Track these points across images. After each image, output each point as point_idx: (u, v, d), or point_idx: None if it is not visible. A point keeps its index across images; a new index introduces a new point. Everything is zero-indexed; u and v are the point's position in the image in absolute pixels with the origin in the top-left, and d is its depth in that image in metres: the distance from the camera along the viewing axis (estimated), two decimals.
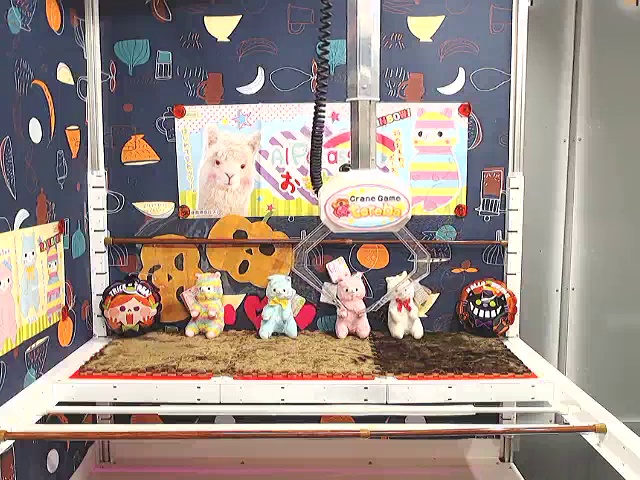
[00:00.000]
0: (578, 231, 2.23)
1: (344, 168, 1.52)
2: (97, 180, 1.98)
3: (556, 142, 2.21)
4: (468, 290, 2.01)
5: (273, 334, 1.96)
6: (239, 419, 2.06)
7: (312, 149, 1.60)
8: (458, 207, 2.02)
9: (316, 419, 2.02)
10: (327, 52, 1.42)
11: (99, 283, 2.00)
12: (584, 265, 2.25)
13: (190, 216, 2.04)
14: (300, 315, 2.05)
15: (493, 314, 1.96)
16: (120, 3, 1.94)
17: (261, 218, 2.04)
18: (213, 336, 1.95)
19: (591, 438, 1.33)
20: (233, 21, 1.96)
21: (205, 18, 1.95)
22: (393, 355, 1.77)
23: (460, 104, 1.99)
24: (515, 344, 1.93)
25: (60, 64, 1.74)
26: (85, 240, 1.97)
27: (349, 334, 1.98)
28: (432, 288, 2.06)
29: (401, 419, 2.06)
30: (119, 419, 2.10)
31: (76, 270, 1.87)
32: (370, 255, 2.05)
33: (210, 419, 2.06)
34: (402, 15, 1.96)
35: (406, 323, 1.96)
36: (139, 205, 2.03)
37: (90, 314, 2.00)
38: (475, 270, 2.05)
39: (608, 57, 2.15)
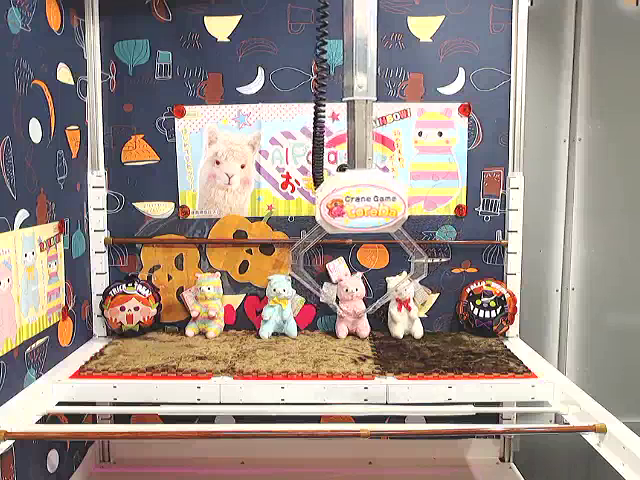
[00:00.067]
0: (578, 231, 2.23)
1: (341, 168, 1.51)
2: (97, 180, 1.98)
3: (556, 142, 2.21)
4: (468, 290, 2.01)
5: (273, 334, 1.96)
6: (239, 419, 2.06)
7: (313, 149, 1.60)
8: (458, 207, 2.02)
9: (316, 419, 2.02)
10: (325, 52, 1.42)
11: (99, 283, 2.00)
12: (584, 265, 2.25)
13: (190, 216, 2.04)
14: (300, 315, 2.05)
15: (493, 314, 1.96)
16: (120, 3, 1.94)
17: (261, 218, 2.04)
18: (213, 336, 1.95)
19: (591, 438, 1.33)
20: (233, 21, 1.96)
21: (205, 18, 1.95)
22: (393, 355, 1.77)
23: (460, 104, 1.99)
24: (515, 344, 1.93)
25: (60, 64, 1.74)
26: (85, 240, 1.97)
27: (349, 334, 1.98)
28: (432, 288, 2.06)
29: (401, 419, 2.06)
30: (119, 419, 2.10)
31: (76, 270, 1.87)
32: (370, 255, 2.05)
33: (210, 419, 2.06)
34: (402, 15, 1.96)
35: (406, 323, 1.96)
36: (139, 205, 2.03)
37: (90, 314, 2.00)
38: (475, 270, 2.05)
39: (608, 57, 2.15)
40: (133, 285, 1.95)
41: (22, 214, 1.50)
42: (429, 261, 2.04)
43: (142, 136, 2.00)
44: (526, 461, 2.16)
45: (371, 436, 1.29)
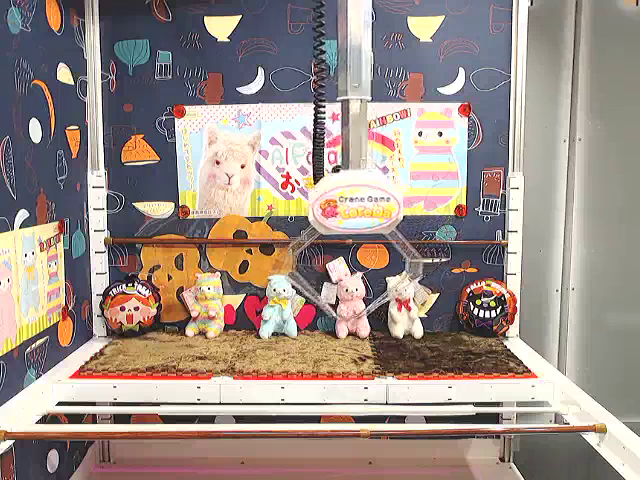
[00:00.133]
0: (578, 231, 2.23)
1: (335, 169, 1.50)
2: (97, 180, 1.98)
3: (556, 142, 2.21)
4: (468, 290, 2.01)
5: (273, 334, 1.96)
6: (239, 419, 2.06)
7: (314, 150, 1.59)
8: (458, 207, 2.02)
9: (316, 419, 2.02)
10: (323, 52, 1.41)
11: (99, 283, 2.00)
12: (584, 265, 2.25)
13: (190, 216, 2.04)
14: (300, 315, 2.05)
15: (493, 314, 1.96)
16: (120, 3, 1.94)
17: (261, 218, 2.04)
18: (213, 336, 1.95)
19: (591, 438, 1.33)
20: (233, 21, 1.96)
21: (205, 18, 1.95)
22: (393, 355, 1.77)
23: (460, 104, 1.99)
24: (515, 344, 1.93)
25: (60, 64, 1.74)
26: (85, 240, 1.97)
27: (349, 334, 1.98)
28: (432, 288, 2.06)
29: (401, 419, 2.06)
30: (119, 419, 2.10)
31: (76, 270, 1.87)
32: (370, 255, 2.05)
33: (210, 419, 2.06)
34: (402, 15, 1.96)
35: (406, 323, 1.96)
36: (139, 205, 2.03)
37: (90, 314, 2.00)
38: (475, 270, 2.05)
39: (608, 57, 2.15)
40: (133, 285, 1.95)
41: (22, 214, 1.50)
42: (429, 261, 2.04)
43: (142, 136, 2.00)
44: (526, 461, 2.16)
45: (371, 436, 1.29)
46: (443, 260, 2.05)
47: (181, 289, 2.06)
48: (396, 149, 2.01)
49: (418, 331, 1.96)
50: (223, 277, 2.04)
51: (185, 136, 2.00)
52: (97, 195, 1.99)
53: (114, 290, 1.95)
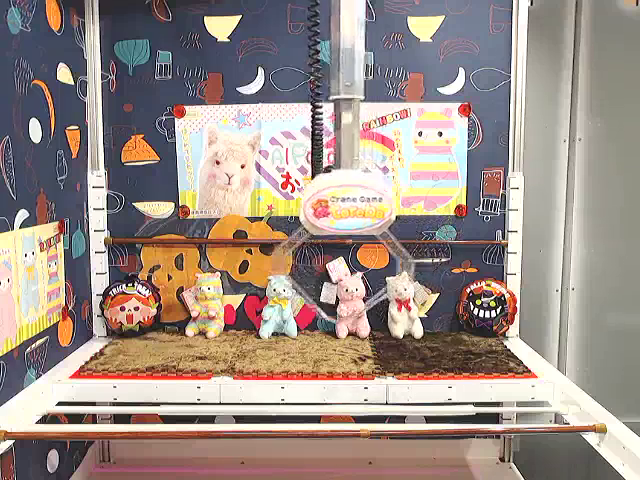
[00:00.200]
0: (578, 231, 2.23)
1: (327, 170, 1.49)
2: (97, 180, 1.98)
3: (556, 142, 2.21)
4: (468, 290, 2.01)
5: (273, 334, 1.96)
6: (239, 419, 2.06)
7: (312, 150, 1.58)
8: (458, 207, 2.02)
9: (316, 419, 2.02)
10: (318, 52, 1.40)
11: (99, 283, 2.00)
12: (584, 265, 2.25)
13: (190, 216, 2.04)
14: (300, 315, 2.05)
15: (493, 314, 1.96)
16: (120, 3, 1.94)
17: (261, 218, 2.04)
18: (213, 336, 1.95)
19: (591, 438, 1.33)
20: (233, 21, 1.96)
21: (205, 18, 1.95)
22: (393, 355, 1.77)
23: (460, 104, 1.99)
24: (515, 344, 1.93)
25: (60, 64, 1.74)
26: (85, 240, 1.97)
27: (349, 334, 1.98)
28: (432, 288, 2.06)
29: (401, 419, 2.06)
30: (119, 419, 2.10)
31: (76, 270, 1.87)
32: (370, 255, 2.05)
33: (210, 419, 2.06)
34: (402, 15, 1.96)
35: (406, 323, 1.96)
36: (139, 205, 2.03)
37: (90, 314, 2.00)
38: (475, 270, 2.05)
39: (608, 57, 2.15)
40: (133, 285, 1.95)
41: (22, 214, 1.50)
42: (429, 261, 2.04)
43: (142, 136, 2.00)
44: (526, 461, 2.16)
45: (371, 436, 1.29)
46: (443, 260, 2.05)
47: (181, 289, 2.06)
48: (396, 149, 2.01)
49: (418, 331, 1.96)
50: (223, 277, 2.04)
51: (185, 136, 2.00)
52: (97, 195, 1.99)
53: (114, 290, 1.95)
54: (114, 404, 1.70)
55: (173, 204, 2.03)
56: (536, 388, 1.59)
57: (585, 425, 1.35)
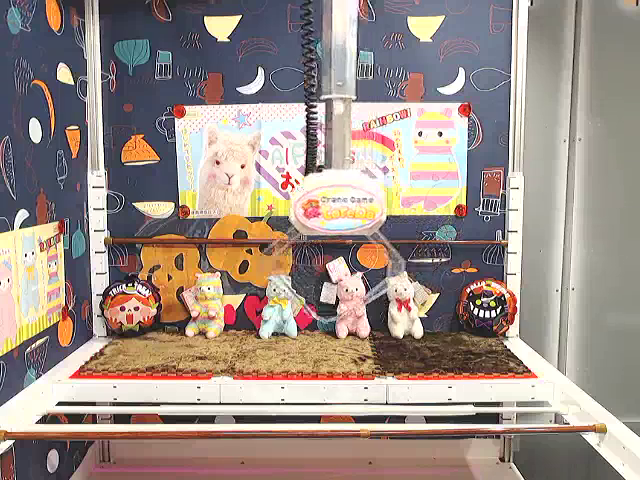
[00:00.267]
0: (578, 231, 2.23)
1: (318, 169, 1.49)
2: (97, 180, 1.98)
3: (556, 142, 2.21)
4: (468, 290, 2.01)
5: (273, 334, 1.96)
6: (239, 419, 2.06)
7: (307, 150, 1.56)
8: (458, 207, 2.02)
9: (316, 419, 2.02)
10: (312, 51, 1.39)
11: (99, 283, 2.00)
12: (584, 265, 2.25)
13: (190, 216, 2.04)
14: (300, 315, 2.05)
15: (493, 314, 1.96)
16: (120, 3, 1.94)
17: (261, 218, 2.04)
18: (213, 336, 1.95)
19: (591, 438, 1.33)
20: (233, 21, 1.96)
21: (205, 18, 1.95)
22: (393, 355, 1.77)
23: (460, 104, 1.99)
24: (515, 344, 1.93)
25: (60, 64, 1.74)
26: (85, 240, 1.97)
27: (349, 334, 1.98)
28: (432, 288, 2.06)
29: (401, 419, 2.06)
30: (119, 419, 2.10)
31: (76, 270, 1.87)
32: (370, 255, 2.05)
33: (210, 419, 2.06)
34: (402, 15, 1.96)
35: (406, 323, 1.96)
36: (139, 205, 2.03)
37: (90, 314, 2.00)
38: (475, 270, 2.05)
39: (608, 57, 2.15)
40: (133, 285, 1.95)
41: (22, 214, 1.50)
42: (429, 261, 2.04)
43: (142, 136, 2.00)
44: (526, 461, 2.16)
45: (371, 436, 1.29)
46: (443, 260, 2.05)
47: (181, 289, 2.06)
48: (396, 149, 2.01)
49: (418, 331, 1.96)
50: (223, 277, 2.04)
51: (185, 136, 2.00)
52: (97, 195, 1.99)
53: (114, 290, 1.95)
54: (114, 404, 1.70)
55: (173, 204, 2.03)
56: (536, 388, 1.59)
57: (585, 425, 1.35)
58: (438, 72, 1.98)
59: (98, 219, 1.99)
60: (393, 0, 1.95)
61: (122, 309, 1.92)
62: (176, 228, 2.04)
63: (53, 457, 1.75)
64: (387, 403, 1.57)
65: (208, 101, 1.99)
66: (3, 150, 1.40)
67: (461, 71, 1.98)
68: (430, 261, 2.05)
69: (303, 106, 1.98)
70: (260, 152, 2.01)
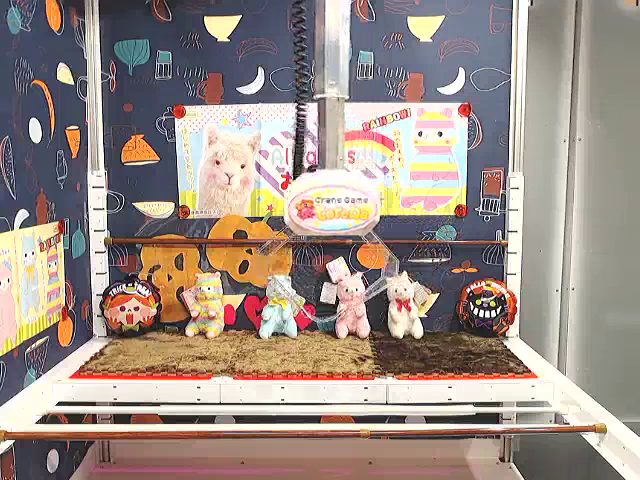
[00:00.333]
0: (578, 231, 2.23)
1: (311, 169, 1.48)
2: (97, 180, 1.98)
3: (556, 142, 2.21)
4: (468, 290, 2.01)
5: (273, 334, 1.96)
6: (239, 419, 2.06)
7: (295, 151, 1.54)
8: (458, 207, 2.02)
9: (316, 419, 2.02)
10: (304, 49, 1.38)
11: (99, 283, 2.00)
12: (584, 265, 2.25)
13: (190, 216, 2.04)
14: (300, 315, 2.05)
15: (493, 314, 1.96)
16: (120, 3, 1.94)
17: (261, 218, 2.04)
18: (213, 336, 1.95)
19: (591, 438, 1.33)
20: (233, 21, 1.96)
21: (205, 18, 1.95)
22: (393, 355, 1.77)
23: (460, 104, 1.99)
24: (515, 344, 1.93)
25: (60, 64, 1.74)
26: (85, 240, 1.97)
27: (349, 334, 1.98)
28: (432, 288, 2.06)
29: (401, 419, 2.06)
30: (119, 419, 2.10)
31: (76, 270, 1.87)
32: (370, 255, 2.05)
33: (210, 419, 2.06)
34: (402, 15, 1.96)
35: (406, 323, 1.96)
36: (139, 205, 2.03)
37: (90, 314, 2.00)
38: (475, 270, 2.05)
39: (608, 57, 2.15)
40: (133, 285, 1.95)
41: (22, 214, 1.50)
42: (430, 261, 2.04)
43: (142, 136, 2.00)
44: (526, 461, 2.16)
45: (371, 436, 1.29)
46: (443, 260, 2.05)
47: (181, 289, 2.06)
48: (396, 149, 2.01)
49: (418, 331, 1.96)
50: (223, 277, 2.04)
51: (185, 136, 2.00)
52: (97, 195, 1.99)
53: (114, 290, 1.95)
54: (114, 404, 1.70)
55: (173, 204, 2.03)
56: (536, 388, 1.59)
57: (585, 425, 1.35)
58: (438, 72, 1.98)
59: (98, 219, 1.99)
60: (393, 0, 1.95)
61: (122, 309, 1.92)
62: (176, 228, 2.04)
63: (53, 457, 1.75)
64: (387, 403, 1.57)
65: (208, 101, 1.99)
66: (3, 150, 1.40)
67: (461, 71, 1.98)
68: (430, 261, 2.05)
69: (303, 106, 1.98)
70: (260, 152, 2.01)
